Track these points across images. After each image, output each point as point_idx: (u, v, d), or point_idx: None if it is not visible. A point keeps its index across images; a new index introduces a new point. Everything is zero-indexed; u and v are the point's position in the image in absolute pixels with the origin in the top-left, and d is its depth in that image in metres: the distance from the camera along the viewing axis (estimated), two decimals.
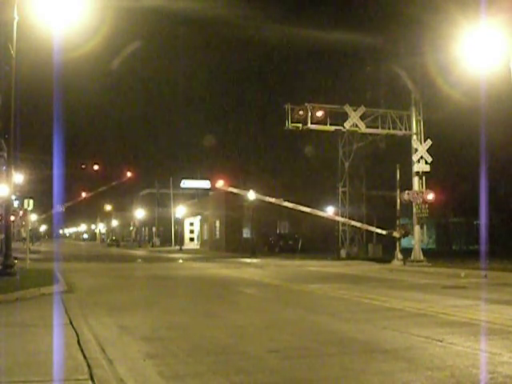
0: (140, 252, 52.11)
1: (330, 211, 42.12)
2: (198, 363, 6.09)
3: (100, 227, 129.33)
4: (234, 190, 38.58)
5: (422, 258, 28.15)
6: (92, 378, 5.36)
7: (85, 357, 6.21)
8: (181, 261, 33.11)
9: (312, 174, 49.50)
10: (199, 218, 64.73)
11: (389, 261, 28.42)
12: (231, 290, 14.89)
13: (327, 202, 44.75)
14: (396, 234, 29.12)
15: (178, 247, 58.33)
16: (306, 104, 27.63)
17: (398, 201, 29.31)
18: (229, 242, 50.91)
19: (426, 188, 28.74)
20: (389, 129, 29.26)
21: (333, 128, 28.61)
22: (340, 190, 36.34)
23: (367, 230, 34.43)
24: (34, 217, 65.74)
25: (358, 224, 33.64)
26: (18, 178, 33.03)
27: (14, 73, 15.48)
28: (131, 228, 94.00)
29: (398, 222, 29.89)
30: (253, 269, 25.03)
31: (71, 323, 8.51)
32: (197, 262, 32.36)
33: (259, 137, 71.20)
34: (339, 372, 5.75)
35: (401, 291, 14.06)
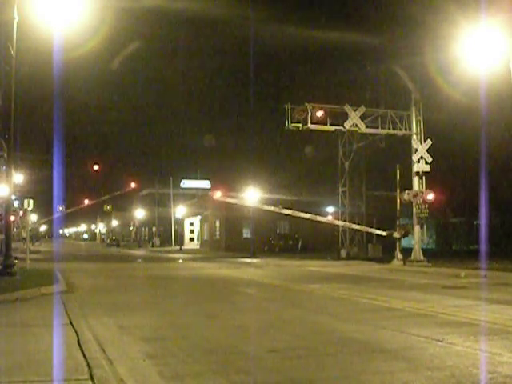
0: (140, 252, 52.11)
1: (330, 211, 42.19)
2: (197, 363, 6.09)
3: (100, 227, 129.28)
4: (233, 201, 38.68)
5: (421, 258, 28.14)
6: (92, 378, 5.36)
7: (85, 357, 6.21)
8: (181, 261, 33.11)
9: (312, 174, 49.54)
10: (199, 218, 64.72)
11: (389, 261, 28.42)
12: (231, 290, 14.89)
13: (327, 201, 44.82)
14: (396, 235, 29.11)
15: (177, 247, 58.32)
16: (306, 104, 27.63)
17: (398, 201, 29.30)
18: (229, 242, 50.91)
19: (426, 188, 28.73)
20: (389, 129, 29.26)
21: (333, 128, 28.60)
22: (340, 189, 36.33)
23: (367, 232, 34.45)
24: (34, 217, 65.77)
25: (358, 227, 33.68)
26: (18, 178, 33.02)
27: (14, 73, 15.48)
28: (131, 228, 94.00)
29: (398, 222, 29.89)
30: (253, 269, 25.03)
31: (71, 323, 8.51)
32: (197, 262, 32.36)
33: (259, 137, 71.31)
34: (339, 372, 5.76)
35: (401, 291, 14.06)
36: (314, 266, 26.88)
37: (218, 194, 38.58)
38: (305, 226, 45.66)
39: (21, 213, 38.78)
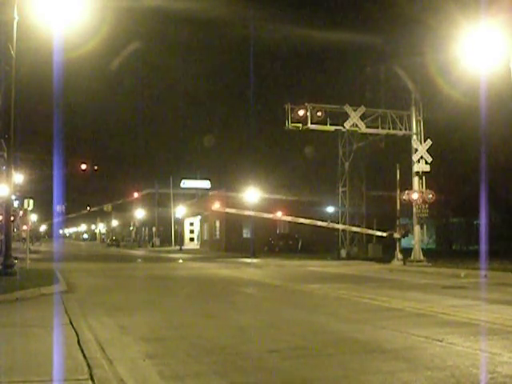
0: (140, 252, 52.11)
1: (330, 211, 42.17)
2: (197, 363, 6.09)
3: (100, 227, 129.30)
4: (232, 211, 38.79)
5: (421, 257, 28.15)
6: (92, 378, 5.36)
7: (85, 357, 6.21)
8: (181, 261, 33.11)
9: (312, 174, 49.54)
10: (199, 218, 64.71)
11: (389, 261, 28.42)
12: (231, 290, 14.89)
13: (327, 201, 44.79)
14: (397, 235, 29.11)
15: (177, 247, 58.31)
16: (306, 104, 27.62)
17: (398, 201, 29.30)
18: (229, 242, 50.90)
19: (426, 188, 28.73)
20: (389, 129, 29.25)
21: (333, 128, 28.60)
22: (340, 189, 36.33)
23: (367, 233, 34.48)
24: (34, 217, 65.74)
25: (358, 229, 33.69)
26: (18, 178, 33.03)
27: (14, 73, 15.48)
28: (131, 228, 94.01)
29: (397, 222, 29.88)
30: (253, 269, 25.04)
31: (71, 323, 8.51)
32: (197, 262, 32.36)
33: (259, 137, 71.24)
34: (339, 372, 5.75)
35: (401, 291, 14.06)
36: (314, 265, 26.88)
37: (216, 205, 39.05)
38: (305, 226, 45.61)
39: (21, 213, 38.76)
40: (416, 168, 28.82)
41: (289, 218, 35.10)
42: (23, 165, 35.19)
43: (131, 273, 22.79)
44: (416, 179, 28.94)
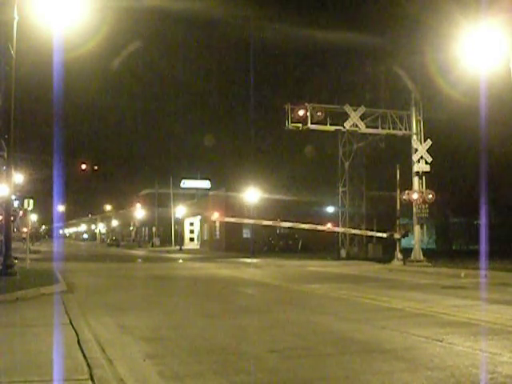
0: (140, 252, 52.11)
1: (330, 211, 42.17)
2: (198, 363, 6.09)
3: (100, 227, 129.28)
4: (232, 220, 38.82)
5: (421, 257, 28.14)
6: (92, 378, 5.36)
7: (85, 357, 6.20)
8: (181, 261, 33.11)
9: (312, 174, 49.50)
10: (199, 217, 64.71)
11: (389, 261, 28.41)
12: (231, 290, 14.89)
13: (327, 201, 44.80)
14: (397, 235, 29.11)
15: (177, 247, 58.31)
16: (306, 104, 27.62)
17: (398, 201, 29.30)
18: (229, 242, 50.89)
19: (426, 188, 28.73)
20: (389, 129, 29.26)
21: (333, 128, 28.61)
22: (340, 189, 36.31)
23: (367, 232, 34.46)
24: (34, 217, 65.73)
25: (359, 231, 33.67)
26: (18, 178, 33.01)
27: (14, 73, 15.48)
28: (131, 228, 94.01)
29: (397, 222, 29.88)
30: (253, 269, 25.04)
31: (71, 323, 8.51)
32: (197, 262, 32.36)
33: (259, 137, 71.21)
34: (339, 372, 5.75)
35: (401, 291, 14.06)
36: (314, 265, 26.88)
37: (215, 215, 39.30)
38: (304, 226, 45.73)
39: (21, 213, 38.76)
40: (416, 168, 28.82)
41: (289, 224, 35.23)
42: (23, 165, 35.15)
43: (131, 273, 22.79)
44: (416, 179, 28.94)
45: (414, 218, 28.94)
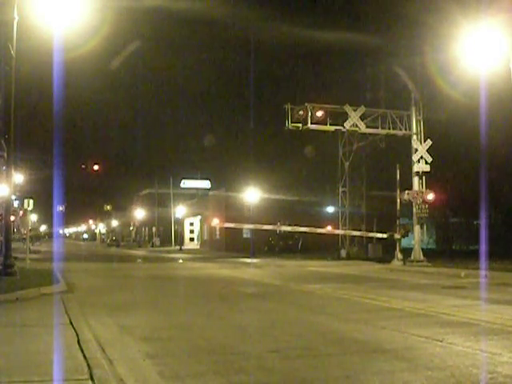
0: (140, 252, 52.10)
1: (330, 211, 42.16)
2: (198, 363, 6.09)
3: (100, 227, 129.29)
4: (231, 225, 38.84)
5: (422, 257, 28.13)
6: (92, 378, 5.36)
7: (85, 357, 6.20)
8: (181, 261, 33.11)
9: (312, 174, 49.51)
10: (199, 217, 64.70)
11: (389, 261, 28.41)
12: (231, 290, 14.89)
13: (327, 201, 44.79)
14: (397, 236, 29.12)
15: (177, 247, 58.31)
16: (306, 104, 27.62)
17: (398, 201, 29.30)
18: (229, 242, 50.87)
19: (426, 188, 28.73)
20: (389, 129, 29.26)
21: (333, 128, 28.60)
22: (340, 189, 36.30)
23: (368, 231, 34.44)
24: (34, 217, 65.72)
25: (359, 233, 33.67)
26: (18, 178, 33.02)
27: (14, 73, 15.48)
28: (131, 228, 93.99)
29: (397, 222, 29.88)
30: (253, 269, 25.03)
31: (71, 323, 8.51)
32: (197, 262, 32.36)
33: (259, 137, 71.19)
34: (339, 372, 5.75)
35: (401, 291, 14.06)
36: (314, 266, 26.88)
37: (215, 221, 39.45)
38: (305, 226, 45.73)
39: (21, 213, 38.77)
40: (416, 168, 28.82)
41: (288, 228, 35.27)
42: (23, 165, 35.17)
43: (131, 273, 22.79)
44: (416, 179, 28.93)
45: (414, 218, 28.94)
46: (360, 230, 34.88)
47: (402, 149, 30.39)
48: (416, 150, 28.90)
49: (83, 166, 41.60)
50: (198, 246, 63.62)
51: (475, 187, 26.92)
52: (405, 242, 30.52)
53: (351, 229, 35.57)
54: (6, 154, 16.29)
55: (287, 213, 47.51)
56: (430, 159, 28.72)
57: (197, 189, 71.84)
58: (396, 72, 29.39)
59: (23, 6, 15.27)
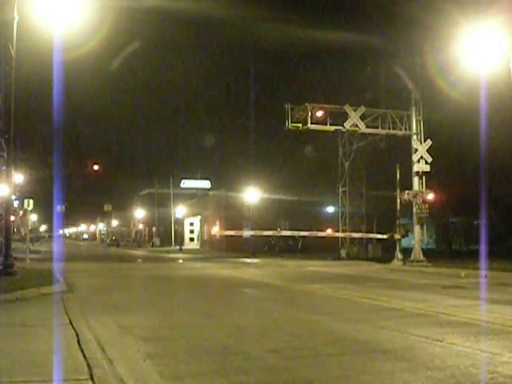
0: (140, 252, 52.10)
1: (330, 211, 42.18)
2: (198, 363, 6.09)
3: (100, 227, 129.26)
4: (231, 233, 38.90)
5: (422, 257, 28.14)
6: (92, 378, 5.36)
7: (85, 357, 6.20)
8: (181, 261, 33.10)
9: (312, 174, 49.49)
10: (199, 218, 64.70)
11: (389, 261, 28.41)
12: (231, 290, 14.89)
13: (327, 201, 44.78)
14: (397, 236, 29.12)
15: (177, 247, 58.29)
16: (306, 104, 27.63)
17: (398, 201, 29.30)
18: (229, 243, 50.85)
19: (426, 188, 28.73)
20: (389, 129, 29.26)
21: (333, 128, 28.61)
22: (340, 189, 36.32)
23: (367, 231, 34.46)
24: (34, 217, 65.70)
25: (359, 235, 33.67)
26: (18, 178, 33.01)
27: (14, 73, 15.48)
28: (131, 228, 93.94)
29: (397, 222, 29.89)
30: (253, 269, 25.03)
31: (71, 323, 8.51)
32: (197, 262, 32.36)
33: (259, 137, 71.21)
34: (339, 372, 5.75)
35: (401, 291, 14.06)
36: (314, 266, 26.88)
37: (215, 230, 39.59)
38: (305, 226, 45.71)
39: (21, 213, 38.78)
40: (416, 168, 28.83)
41: (288, 233, 35.28)
42: (23, 165, 35.13)
43: (131, 273, 22.79)
44: (416, 179, 28.94)
45: (414, 218, 28.94)
46: (360, 230, 34.93)
47: (402, 149, 30.40)
48: (416, 150, 28.91)
49: (83, 166, 41.56)
50: (198, 246, 63.62)
51: (475, 187, 26.94)
52: (405, 242, 30.52)
53: (351, 229, 35.60)
54: (5, 154, 16.30)
55: (287, 213, 47.52)
56: (429, 159, 28.72)
57: (197, 189, 71.79)
58: (396, 72, 29.39)
59: (23, 6, 15.28)
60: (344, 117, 28.34)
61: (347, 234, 34.38)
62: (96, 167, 39.22)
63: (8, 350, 6.65)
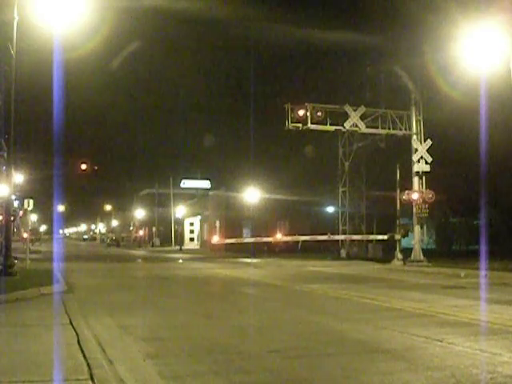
0: (140, 252, 52.12)
1: (330, 211, 42.18)
2: (198, 363, 6.09)
3: (100, 227, 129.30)
4: (231, 241, 39.03)
5: (422, 257, 28.12)
6: (92, 378, 5.36)
7: (85, 357, 6.20)
8: (181, 261, 33.10)
9: (312, 174, 49.48)
10: (199, 217, 64.71)
11: (389, 261, 28.41)
12: (231, 290, 14.89)
13: (327, 201, 44.78)
14: (397, 236, 29.10)
15: (177, 247, 58.30)
16: (306, 104, 27.60)
17: (398, 201, 29.29)
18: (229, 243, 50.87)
19: (426, 188, 28.73)
20: (389, 129, 29.24)
21: (333, 128, 28.58)
22: (340, 189, 36.30)
23: (367, 231, 34.45)
24: (34, 217, 65.65)
25: (359, 237, 33.65)
26: (18, 178, 33.00)
27: (14, 73, 15.48)
28: (131, 228, 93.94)
29: (397, 222, 29.87)
30: (253, 269, 25.03)
31: (71, 323, 8.51)
32: (197, 262, 32.35)
33: (259, 137, 71.15)
34: (339, 372, 5.75)
35: (401, 291, 14.06)
36: (314, 266, 26.88)
37: (215, 239, 39.86)
38: (305, 227, 45.72)
39: (21, 213, 38.73)
40: (416, 168, 28.82)
41: (288, 238, 35.37)
42: (23, 165, 35.11)
43: (131, 273, 22.79)
44: (416, 179, 28.93)
45: (414, 218, 28.93)
46: (360, 230, 34.90)
47: (402, 149, 30.38)
48: (416, 150, 28.90)
49: (83, 166, 41.51)
50: (198, 246, 63.62)
51: (475, 187, 26.93)
52: (405, 242, 30.51)
53: (351, 229, 35.58)
54: (6, 154, 16.30)
55: (287, 213, 47.56)
56: (429, 159, 28.72)
57: (197, 189, 71.77)
58: (396, 72, 29.38)
59: (23, 5, 15.29)
60: (344, 117, 28.31)
61: (347, 236, 34.34)
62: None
63: (8, 350, 6.65)
